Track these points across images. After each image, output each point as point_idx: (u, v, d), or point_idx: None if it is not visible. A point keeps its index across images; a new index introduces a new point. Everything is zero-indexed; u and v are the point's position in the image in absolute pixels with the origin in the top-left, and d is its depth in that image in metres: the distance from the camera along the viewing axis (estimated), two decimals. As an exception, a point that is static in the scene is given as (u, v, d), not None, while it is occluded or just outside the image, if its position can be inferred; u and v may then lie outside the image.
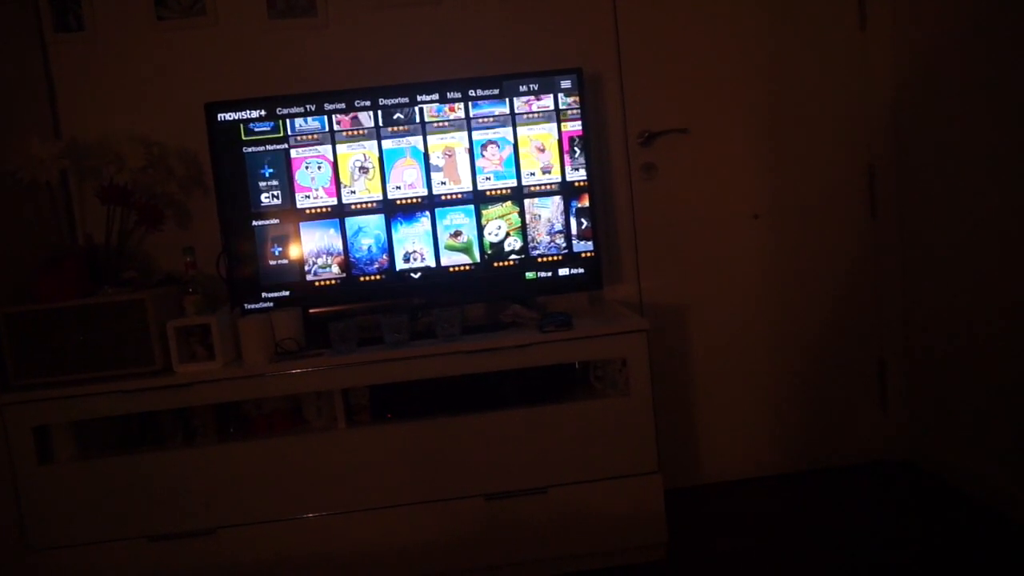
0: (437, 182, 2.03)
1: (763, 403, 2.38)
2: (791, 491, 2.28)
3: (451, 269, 2.05)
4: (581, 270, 2.07)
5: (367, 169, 2.01)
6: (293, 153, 2.00)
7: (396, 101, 2.01)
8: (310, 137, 2.00)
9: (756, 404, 2.38)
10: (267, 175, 2.00)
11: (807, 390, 2.38)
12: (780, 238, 2.33)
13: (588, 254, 2.07)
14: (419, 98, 2.02)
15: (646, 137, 2.27)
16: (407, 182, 2.03)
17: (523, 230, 2.06)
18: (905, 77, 2.25)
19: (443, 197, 2.03)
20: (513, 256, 2.06)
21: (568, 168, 2.05)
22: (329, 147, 2.01)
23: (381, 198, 2.02)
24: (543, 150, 2.05)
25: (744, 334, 2.35)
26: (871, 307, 2.37)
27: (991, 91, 1.91)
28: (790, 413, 2.39)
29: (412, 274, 2.04)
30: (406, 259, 2.04)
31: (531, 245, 2.06)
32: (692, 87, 2.28)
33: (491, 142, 2.02)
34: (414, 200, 2.03)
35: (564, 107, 2.04)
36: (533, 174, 2.05)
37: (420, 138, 2.01)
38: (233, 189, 2.00)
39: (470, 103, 2.02)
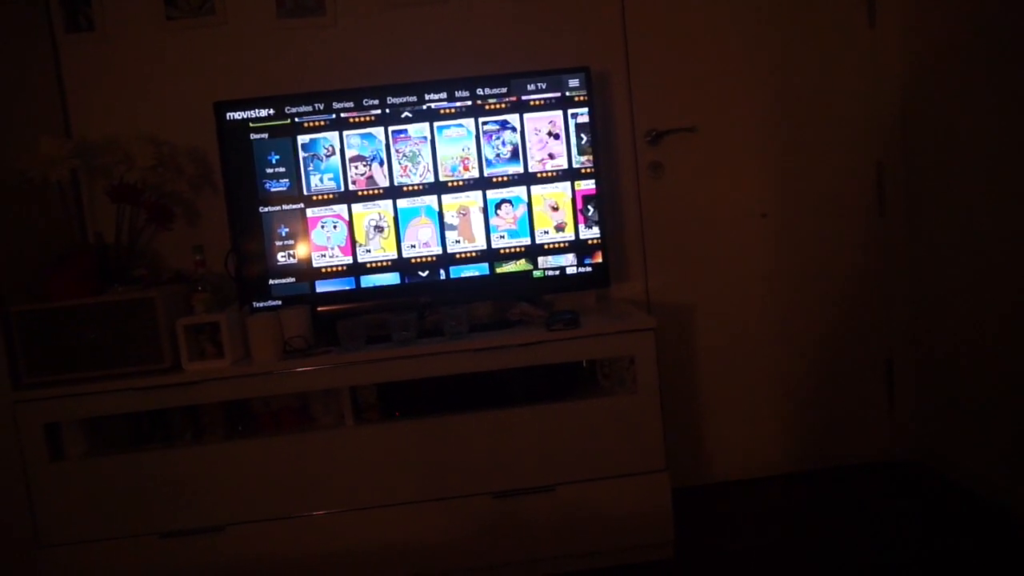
0: (452, 241, 2.04)
1: (771, 402, 2.37)
2: (798, 490, 2.28)
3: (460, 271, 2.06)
4: (588, 268, 2.07)
5: (382, 228, 2.02)
6: (302, 152, 2.01)
7: (404, 99, 2.02)
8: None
9: (763, 403, 2.37)
10: (276, 173, 2.01)
11: (814, 389, 2.38)
12: (788, 237, 2.32)
13: (596, 253, 2.07)
14: (427, 96, 2.02)
15: (653, 136, 2.27)
16: (422, 240, 2.03)
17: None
18: (914, 74, 2.24)
19: (458, 256, 2.04)
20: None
21: (575, 158, 2.05)
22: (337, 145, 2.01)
23: (396, 256, 2.03)
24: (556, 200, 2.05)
25: (752, 333, 2.35)
26: (879, 306, 2.36)
27: (1001, 89, 1.90)
28: (797, 412, 2.38)
29: (420, 272, 2.05)
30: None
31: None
32: (700, 85, 2.27)
33: (505, 201, 2.03)
34: (428, 259, 2.04)
35: (572, 108, 2.04)
36: (547, 232, 2.05)
37: (435, 197, 2.02)
38: (242, 188, 2.01)
39: (479, 115, 2.02)
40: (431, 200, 2.03)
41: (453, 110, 2.03)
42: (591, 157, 2.06)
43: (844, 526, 2.01)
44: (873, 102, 2.30)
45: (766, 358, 2.36)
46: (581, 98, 2.05)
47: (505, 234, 2.05)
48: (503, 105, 2.03)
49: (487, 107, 2.03)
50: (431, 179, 2.03)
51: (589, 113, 2.05)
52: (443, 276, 2.05)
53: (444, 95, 2.03)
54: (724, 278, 2.33)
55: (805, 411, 2.38)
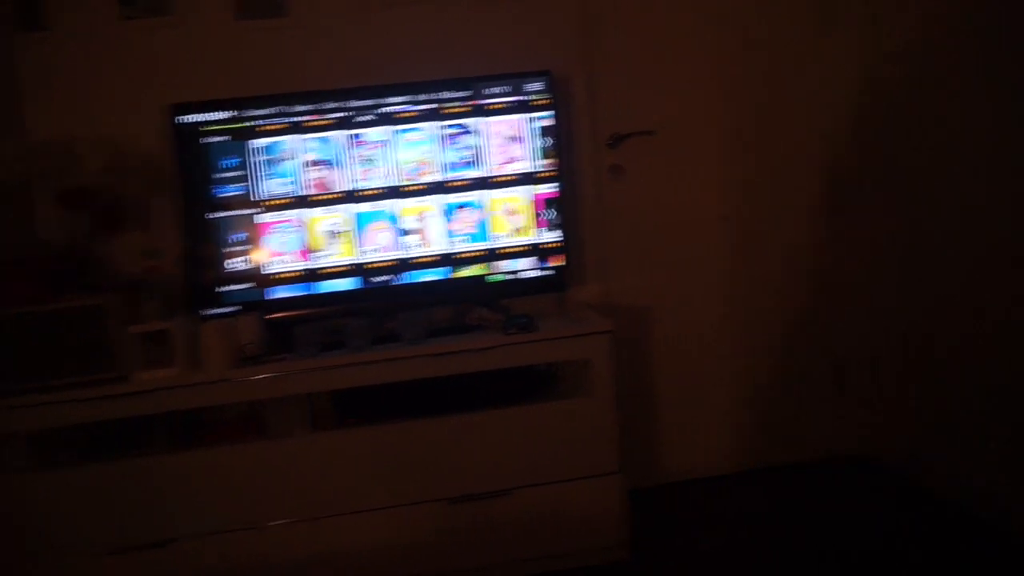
0: (410, 245, 2.02)
1: (727, 402, 2.38)
2: (753, 488, 2.29)
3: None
4: (547, 272, 2.07)
5: (339, 233, 1.99)
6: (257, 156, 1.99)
7: (364, 103, 2.00)
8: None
9: (720, 403, 2.38)
10: (231, 177, 1.98)
11: (769, 389, 2.39)
12: (748, 239, 2.34)
13: (555, 257, 2.07)
14: (387, 100, 2.01)
15: (614, 139, 2.27)
16: (380, 245, 2.01)
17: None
18: (873, 77, 2.26)
19: (416, 260, 2.02)
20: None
21: (536, 162, 2.05)
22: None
23: (353, 261, 2.01)
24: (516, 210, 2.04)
25: (712, 334, 2.36)
26: (835, 306, 2.38)
27: (963, 89, 1.92)
28: (753, 412, 2.40)
29: (377, 277, 2.03)
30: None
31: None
32: (660, 89, 2.28)
33: (464, 205, 2.02)
34: (386, 263, 2.02)
35: (534, 112, 2.04)
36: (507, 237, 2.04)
37: (394, 202, 2.00)
38: (196, 191, 1.97)
39: (439, 119, 2.01)
40: (390, 204, 2.02)
41: (414, 113, 2.01)
42: (552, 161, 2.05)
43: (799, 522, 2.04)
44: (830, 104, 2.32)
45: (725, 359, 2.37)
46: (543, 102, 2.05)
47: (465, 238, 2.04)
48: (464, 109, 2.02)
49: (448, 111, 2.02)
50: (390, 183, 2.01)
51: (553, 116, 2.04)
52: (401, 281, 2.03)
53: (405, 98, 2.01)
54: (684, 280, 2.33)
55: (759, 410, 2.39)
